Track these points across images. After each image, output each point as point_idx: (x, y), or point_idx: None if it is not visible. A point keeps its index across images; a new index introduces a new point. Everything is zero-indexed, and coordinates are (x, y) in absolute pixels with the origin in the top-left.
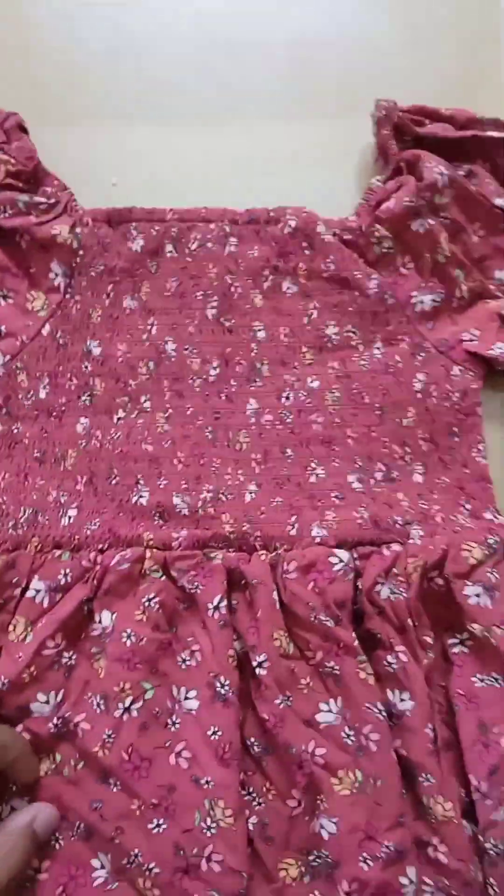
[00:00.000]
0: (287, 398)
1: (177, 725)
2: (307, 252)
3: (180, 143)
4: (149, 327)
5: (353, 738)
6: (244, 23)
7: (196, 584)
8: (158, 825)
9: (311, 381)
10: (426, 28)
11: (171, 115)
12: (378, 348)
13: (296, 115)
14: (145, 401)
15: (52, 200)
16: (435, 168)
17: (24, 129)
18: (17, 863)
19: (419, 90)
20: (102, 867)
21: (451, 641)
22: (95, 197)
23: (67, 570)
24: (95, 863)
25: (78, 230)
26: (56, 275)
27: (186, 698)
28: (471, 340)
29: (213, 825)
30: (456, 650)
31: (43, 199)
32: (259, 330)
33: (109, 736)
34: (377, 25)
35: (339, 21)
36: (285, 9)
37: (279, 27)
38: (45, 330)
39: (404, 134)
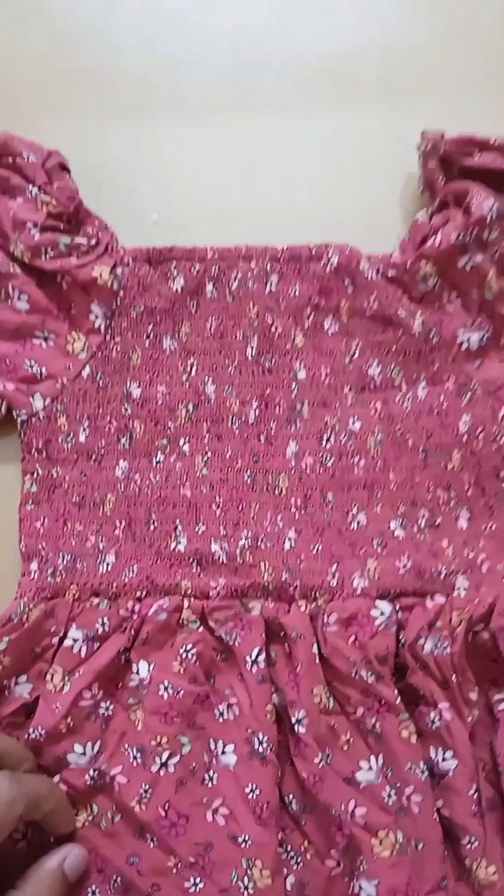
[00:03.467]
0: (328, 441)
1: (214, 781)
2: (350, 290)
3: (218, 170)
4: (188, 368)
5: (394, 797)
6: (282, 39)
7: (234, 635)
8: (195, 883)
9: (353, 423)
10: (476, 42)
11: (208, 140)
12: (422, 388)
13: (339, 139)
14: (184, 443)
15: (93, 241)
16: (484, 202)
17: (65, 168)
18: None
19: (472, 108)
20: None
21: (497, 697)
22: (129, 216)
23: (105, 619)
24: None
25: (118, 271)
26: (96, 316)
27: (223, 753)
28: None
29: (251, 884)
30: (502, 707)
31: (84, 241)
32: (299, 370)
33: (146, 791)
34: (424, 39)
35: (383, 35)
36: (325, 23)
37: (319, 43)
38: (86, 372)
39: (451, 165)
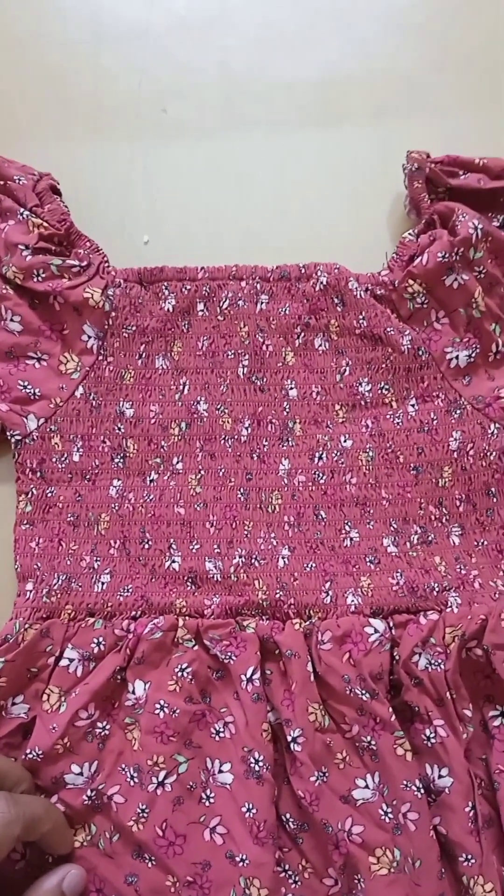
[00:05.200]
0: (320, 458)
1: (211, 800)
2: (339, 308)
3: (207, 192)
4: (181, 387)
5: (390, 815)
6: (269, 67)
7: (229, 654)
8: None
9: (345, 441)
10: (460, 64)
11: (197, 162)
12: (412, 405)
13: (326, 161)
14: (177, 462)
15: (85, 263)
16: (469, 222)
17: (56, 191)
18: None
19: (455, 128)
20: None
21: (491, 714)
22: (121, 238)
23: (100, 639)
24: None
25: (110, 292)
26: (89, 337)
27: (220, 771)
28: None
29: None
30: (497, 723)
31: (75, 262)
32: (291, 388)
33: (143, 810)
34: (409, 63)
35: (368, 61)
36: (311, 51)
37: (305, 69)
38: (79, 392)
39: (437, 185)
